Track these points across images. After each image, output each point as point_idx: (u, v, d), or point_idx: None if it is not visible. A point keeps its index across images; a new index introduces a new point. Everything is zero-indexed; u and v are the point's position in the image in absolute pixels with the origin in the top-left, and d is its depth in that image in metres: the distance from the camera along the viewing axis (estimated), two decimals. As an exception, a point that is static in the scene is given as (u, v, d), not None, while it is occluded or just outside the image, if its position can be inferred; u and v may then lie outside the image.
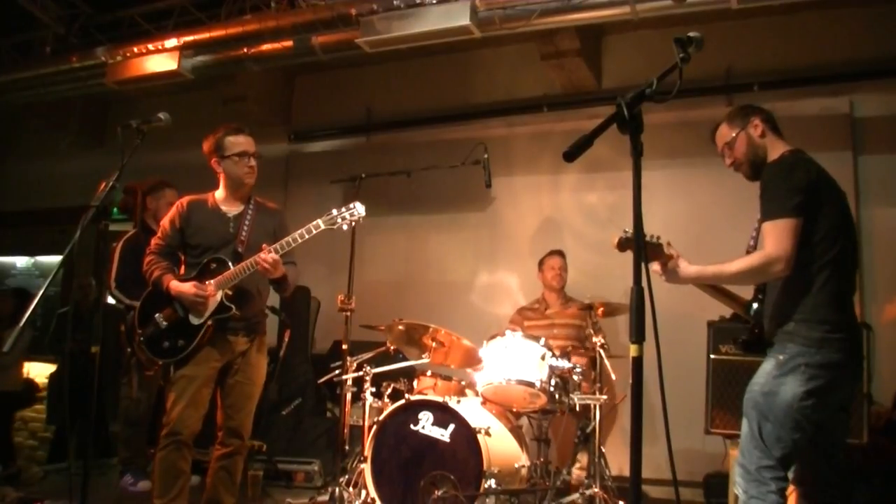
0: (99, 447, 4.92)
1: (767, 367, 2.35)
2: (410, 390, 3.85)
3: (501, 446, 3.55)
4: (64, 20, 5.89)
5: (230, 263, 3.13)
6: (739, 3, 4.00)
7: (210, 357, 3.14)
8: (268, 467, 4.59)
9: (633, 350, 1.77)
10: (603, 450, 3.79)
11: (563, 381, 3.75)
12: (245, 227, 3.24)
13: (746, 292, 2.68)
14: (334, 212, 3.15)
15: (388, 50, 4.87)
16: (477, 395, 3.82)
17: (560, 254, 4.81)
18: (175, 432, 3.05)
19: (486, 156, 4.50)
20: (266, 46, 5.17)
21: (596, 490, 3.52)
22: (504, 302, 5.51)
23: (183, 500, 3.09)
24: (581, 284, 4.86)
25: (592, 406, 3.67)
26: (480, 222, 5.85)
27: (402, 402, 3.66)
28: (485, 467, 3.36)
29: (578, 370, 3.71)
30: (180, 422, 3.06)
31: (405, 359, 4.13)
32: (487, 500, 3.34)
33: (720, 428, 3.71)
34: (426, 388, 3.87)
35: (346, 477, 3.83)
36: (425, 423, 3.56)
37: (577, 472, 3.95)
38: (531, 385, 3.58)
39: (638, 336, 1.77)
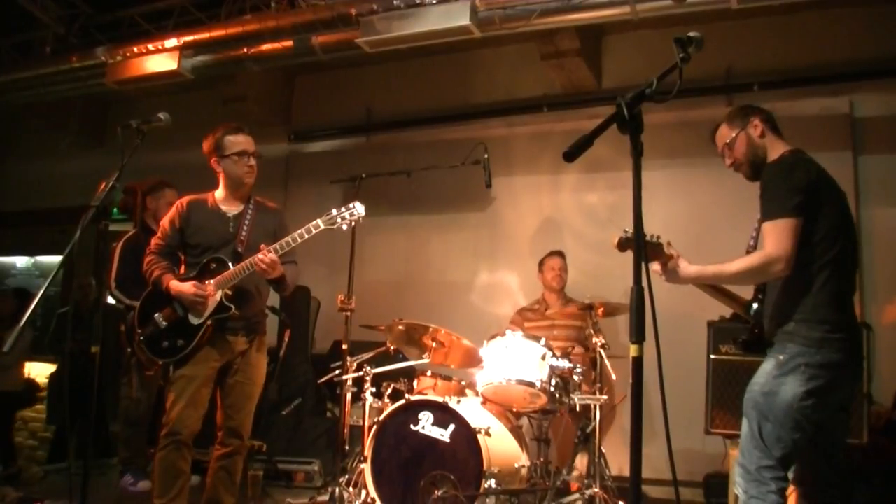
0: (99, 447, 4.92)
1: (767, 367, 2.35)
2: (410, 390, 3.85)
3: (501, 446, 3.55)
4: (64, 20, 5.89)
5: (230, 263, 3.13)
6: (739, 3, 4.00)
7: (209, 357, 3.14)
8: (268, 467, 4.58)
9: (633, 350, 1.77)
10: (603, 450, 3.79)
11: (564, 381, 3.75)
12: (245, 227, 3.24)
13: (746, 292, 2.68)
14: (334, 211, 3.14)
15: (388, 50, 4.87)
16: (477, 395, 3.82)
17: (560, 254, 4.81)
18: (174, 432, 3.05)
19: (486, 156, 4.50)
20: (266, 46, 5.16)
21: (596, 490, 3.52)
22: (504, 302, 5.51)
23: (183, 500, 3.09)
24: (581, 284, 4.86)
25: (592, 406, 3.67)
26: (480, 222, 5.85)
27: (402, 402, 3.66)
28: (485, 467, 3.36)
29: (579, 370, 3.71)
30: (179, 422, 3.06)
31: (405, 359, 4.14)
32: (487, 500, 3.34)
33: (720, 428, 3.72)
34: (426, 388, 3.86)
35: (346, 477, 3.83)
36: (425, 424, 3.55)
37: (575, 474, 3.95)
38: (531, 385, 3.58)
39: (638, 336, 1.77)
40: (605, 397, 3.70)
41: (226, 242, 3.21)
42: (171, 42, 5.35)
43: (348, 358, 3.85)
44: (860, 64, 4.79)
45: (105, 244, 3.89)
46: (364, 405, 3.82)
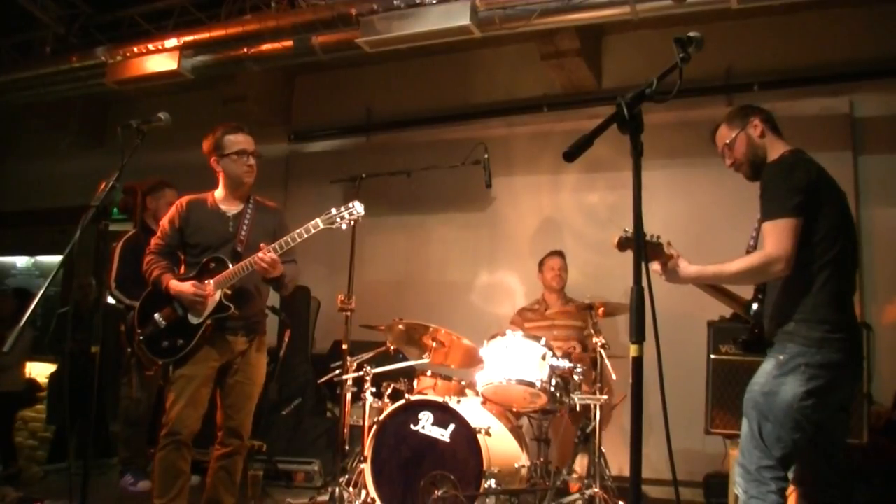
0: (99, 447, 4.92)
1: (767, 367, 2.35)
2: (410, 390, 3.84)
3: (501, 446, 3.55)
4: (64, 20, 5.89)
5: (229, 263, 3.13)
6: (739, 3, 4.00)
7: (209, 357, 3.14)
8: (268, 467, 4.58)
9: (633, 350, 1.77)
10: (603, 450, 3.79)
11: (564, 381, 3.75)
12: (244, 227, 3.24)
13: (746, 292, 2.68)
14: (333, 211, 3.14)
15: (388, 50, 4.87)
16: (477, 394, 3.82)
17: (560, 254, 4.81)
18: (174, 432, 3.05)
19: (486, 156, 4.50)
20: (266, 46, 5.16)
21: (596, 490, 3.51)
22: (504, 302, 5.52)
23: (183, 500, 3.09)
24: (581, 284, 4.87)
25: (592, 406, 3.67)
26: (480, 222, 5.85)
27: (402, 402, 3.65)
28: (485, 467, 3.36)
29: (579, 370, 3.71)
30: (179, 422, 3.06)
31: (405, 359, 4.14)
32: (487, 500, 3.34)
33: (720, 428, 3.71)
34: (426, 388, 3.86)
35: (346, 477, 3.83)
36: (425, 423, 3.55)
37: (575, 476, 3.95)
38: (531, 385, 3.58)
39: (638, 336, 1.77)
40: (605, 397, 3.70)
41: (225, 242, 3.21)
42: (171, 42, 5.34)
43: (348, 358, 3.85)
44: (860, 64, 4.79)
45: (105, 244, 3.89)
46: (364, 405, 3.82)
